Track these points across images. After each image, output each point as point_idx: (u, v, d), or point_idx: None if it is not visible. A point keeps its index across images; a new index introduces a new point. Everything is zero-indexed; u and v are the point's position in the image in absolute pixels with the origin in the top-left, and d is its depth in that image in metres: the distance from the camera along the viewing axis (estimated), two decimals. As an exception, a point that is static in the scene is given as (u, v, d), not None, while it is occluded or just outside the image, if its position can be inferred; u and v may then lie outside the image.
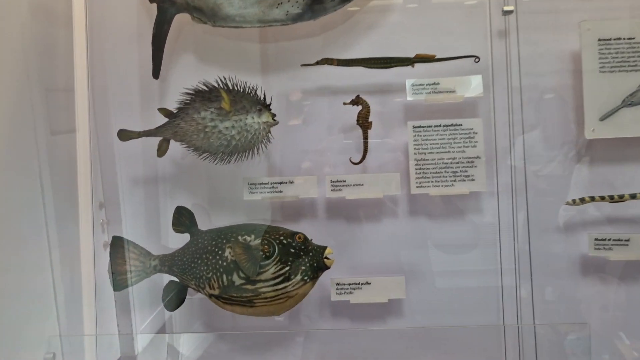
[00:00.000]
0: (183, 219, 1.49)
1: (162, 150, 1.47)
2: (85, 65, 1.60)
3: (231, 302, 1.41)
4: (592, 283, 1.53)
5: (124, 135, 1.48)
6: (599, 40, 1.49)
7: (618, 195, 1.49)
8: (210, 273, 1.41)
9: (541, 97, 1.54)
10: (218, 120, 1.36)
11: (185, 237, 1.51)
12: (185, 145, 1.45)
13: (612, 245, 1.48)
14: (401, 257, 1.58)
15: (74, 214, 1.58)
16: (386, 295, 1.52)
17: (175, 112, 1.43)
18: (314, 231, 1.51)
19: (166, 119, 1.45)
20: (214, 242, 1.43)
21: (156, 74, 1.51)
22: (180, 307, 1.50)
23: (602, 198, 1.49)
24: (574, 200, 1.49)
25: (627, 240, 1.48)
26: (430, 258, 1.57)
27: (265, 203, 1.59)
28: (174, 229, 1.49)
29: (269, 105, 1.43)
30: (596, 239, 1.49)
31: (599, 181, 1.53)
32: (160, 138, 1.47)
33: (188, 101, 1.40)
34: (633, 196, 1.48)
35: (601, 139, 1.51)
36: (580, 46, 1.49)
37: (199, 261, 1.43)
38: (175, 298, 1.48)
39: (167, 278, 1.50)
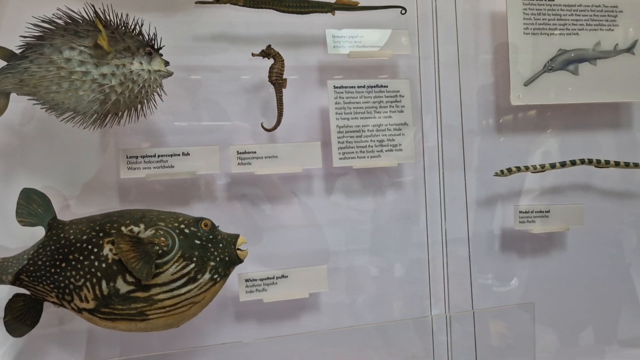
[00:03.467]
0: (33, 207, 1.06)
1: (-2, 109, 1.02)
2: None
3: (114, 317, 1.03)
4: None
5: None
6: (523, -1, 1.40)
7: (540, 165, 1.42)
8: (82, 280, 1.01)
9: (471, 59, 1.40)
10: (91, 63, 0.96)
11: (36, 233, 1.07)
12: (36, 101, 1.02)
13: (534, 217, 1.42)
14: (321, 243, 1.33)
15: None
16: (306, 289, 1.26)
17: (19, 52, 0.99)
18: (213, 217, 1.19)
19: (4, 62, 1.00)
20: (85, 237, 1.03)
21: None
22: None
23: (527, 168, 1.41)
24: (502, 171, 1.38)
25: (548, 211, 1.42)
26: (352, 241, 1.35)
27: (149, 183, 1.21)
28: (19, 221, 1.05)
29: (160, 49, 1.06)
30: (521, 212, 1.41)
31: (521, 150, 1.45)
32: (-5, 90, 1.01)
33: (42, 35, 0.97)
34: (553, 166, 1.42)
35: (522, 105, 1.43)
36: (506, 4, 1.38)
37: (64, 264, 1.02)
38: (23, 318, 1.05)
39: (10, 291, 1.06)
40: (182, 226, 1.06)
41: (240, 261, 1.12)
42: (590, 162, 1.45)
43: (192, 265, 1.05)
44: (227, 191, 1.27)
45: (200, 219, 1.09)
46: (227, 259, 1.09)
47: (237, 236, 1.12)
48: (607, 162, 1.46)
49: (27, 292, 1.06)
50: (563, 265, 1.49)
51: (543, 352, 1.39)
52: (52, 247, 1.03)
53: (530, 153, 1.46)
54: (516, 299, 1.43)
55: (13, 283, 1.04)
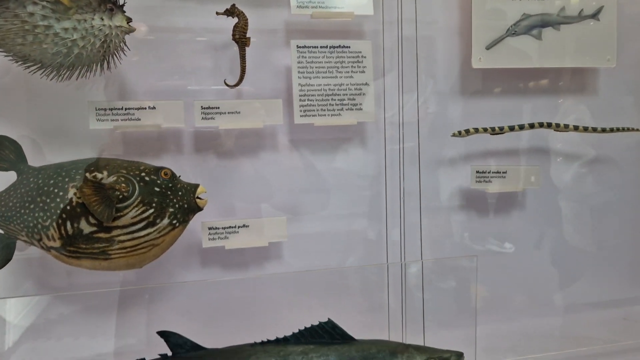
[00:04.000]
0: (6, 152, 1.14)
1: (-30, 60, 1.09)
2: None
3: (79, 255, 1.12)
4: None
5: None
6: (487, -39, 1.42)
7: (499, 127, 1.47)
8: (49, 220, 1.10)
9: (436, 22, 1.44)
10: (53, 18, 1.02)
11: (9, 177, 1.16)
12: (5, 53, 1.09)
13: (491, 177, 1.47)
14: (282, 196, 1.40)
15: None
16: (266, 238, 1.35)
17: (-13, 6, 1.06)
18: (180, 169, 1.28)
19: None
20: (52, 182, 1.11)
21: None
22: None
23: (485, 130, 1.46)
24: (459, 132, 1.44)
25: (505, 172, 1.48)
26: (313, 195, 1.42)
27: (117, 134, 1.29)
28: (-7, 166, 1.14)
29: (123, 5, 1.12)
30: (478, 172, 1.46)
31: (485, 113, 1.50)
32: (-33, 42, 1.08)
33: (7, -9, 1.04)
34: (512, 128, 1.47)
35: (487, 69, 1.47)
36: (470, -34, 1.41)
37: (32, 206, 1.11)
38: (-2, 254, 1.15)
39: (-15, 230, 1.16)
40: (143, 174, 1.14)
41: (200, 209, 1.20)
42: (549, 125, 1.50)
43: (151, 211, 1.13)
44: (192, 144, 1.34)
45: (160, 168, 1.16)
46: (185, 206, 1.17)
47: (196, 186, 1.20)
48: (567, 126, 1.51)
49: (1, 231, 1.15)
50: (521, 224, 1.56)
51: (488, 303, 1.48)
52: (22, 190, 1.12)
53: (493, 116, 1.50)
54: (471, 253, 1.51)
55: (-13, 222, 1.14)
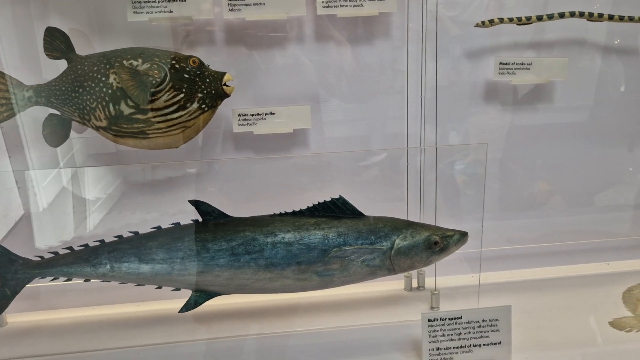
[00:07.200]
0: (57, 43, 1.29)
1: (19, -43, 1.21)
2: None
3: (122, 134, 1.29)
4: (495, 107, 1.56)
5: None
6: None
7: (525, 17, 1.45)
8: (95, 103, 1.26)
9: None
10: None
11: (63, 65, 1.32)
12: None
13: (515, 69, 1.48)
14: (307, 86, 1.50)
15: None
16: (291, 125, 1.46)
17: None
18: (211, 58, 1.39)
19: None
20: (95, 68, 1.26)
21: None
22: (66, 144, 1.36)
23: (511, 20, 1.45)
24: (483, 22, 1.43)
25: (530, 64, 1.48)
26: (337, 86, 1.50)
27: (153, 26, 1.40)
28: (47, 55, 1.30)
29: None
30: (501, 63, 1.47)
31: (513, 4, 1.48)
32: (15, -60, 1.20)
33: None
34: (539, 18, 1.45)
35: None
36: None
37: (80, 90, 1.27)
38: (57, 132, 1.34)
39: (47, 111, 1.34)
40: (174, 62, 1.26)
41: (227, 95, 1.32)
42: (582, 14, 1.46)
43: (182, 95, 1.26)
44: (222, 37, 1.44)
45: (189, 57, 1.28)
46: (213, 92, 1.30)
47: (223, 73, 1.31)
48: (601, 15, 1.46)
49: (58, 113, 1.33)
50: (546, 118, 1.58)
51: (495, 190, 1.56)
52: (72, 76, 1.28)
53: (523, 7, 1.48)
54: (491, 146, 1.56)
55: (46, 105, 1.32)
